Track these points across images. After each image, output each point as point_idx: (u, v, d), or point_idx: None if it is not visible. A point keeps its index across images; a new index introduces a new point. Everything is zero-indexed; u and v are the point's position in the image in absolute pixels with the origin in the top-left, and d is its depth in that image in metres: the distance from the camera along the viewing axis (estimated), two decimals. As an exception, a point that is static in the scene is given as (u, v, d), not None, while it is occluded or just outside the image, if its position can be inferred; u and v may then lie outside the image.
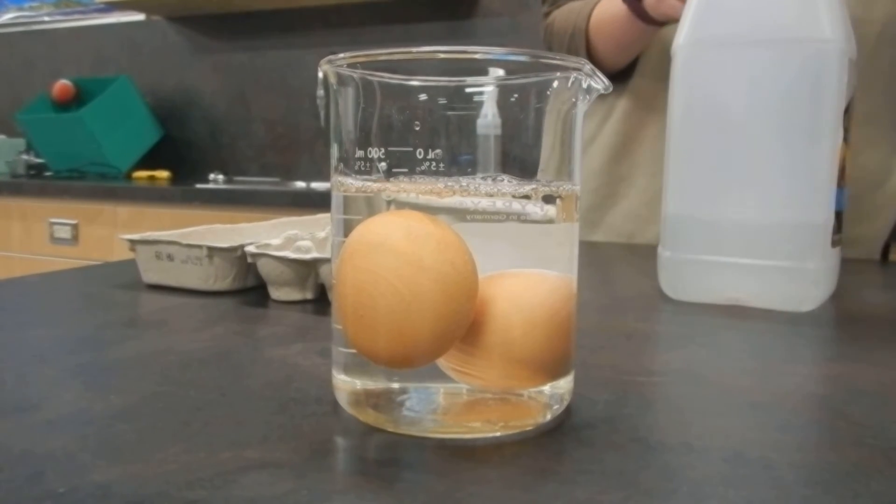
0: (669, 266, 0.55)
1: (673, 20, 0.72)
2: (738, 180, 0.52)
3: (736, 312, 0.50)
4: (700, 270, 0.53)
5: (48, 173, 2.36)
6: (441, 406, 0.28)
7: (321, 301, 0.50)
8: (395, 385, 0.28)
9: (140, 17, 2.49)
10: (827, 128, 0.50)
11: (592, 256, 0.79)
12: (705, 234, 0.53)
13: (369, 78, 0.28)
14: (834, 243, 0.52)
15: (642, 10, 0.76)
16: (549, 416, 0.28)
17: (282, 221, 0.68)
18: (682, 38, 0.54)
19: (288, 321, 0.45)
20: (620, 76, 0.87)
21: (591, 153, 0.92)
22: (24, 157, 2.40)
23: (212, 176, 2.23)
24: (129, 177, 2.26)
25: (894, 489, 0.24)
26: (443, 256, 0.25)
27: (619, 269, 0.74)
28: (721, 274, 0.53)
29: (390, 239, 0.25)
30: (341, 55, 0.28)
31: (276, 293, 0.51)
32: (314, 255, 0.50)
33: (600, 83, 0.29)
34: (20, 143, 2.46)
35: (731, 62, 0.52)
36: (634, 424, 0.29)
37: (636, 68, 0.87)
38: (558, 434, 0.28)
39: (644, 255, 0.80)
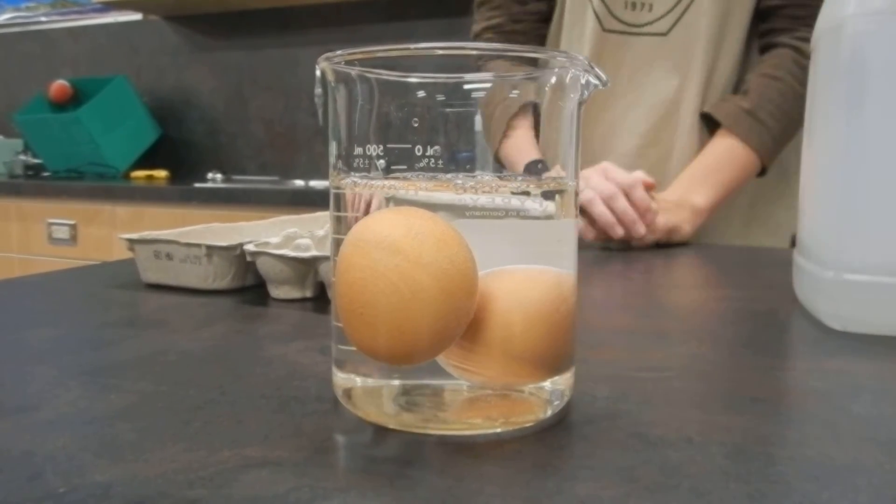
0: (834, 291, 0.43)
1: None
2: None
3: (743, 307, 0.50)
4: (880, 296, 0.42)
5: (46, 174, 2.36)
6: (442, 403, 0.28)
7: (321, 299, 0.50)
8: (396, 382, 0.28)
9: (137, 16, 2.49)
10: None
11: (584, 254, 0.79)
12: (890, 250, 0.42)
13: (367, 75, 0.28)
14: None
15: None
16: (549, 412, 0.28)
17: (281, 220, 0.68)
18: (853, 5, 0.41)
19: (287, 319, 0.45)
20: None
21: None
22: (22, 157, 2.40)
23: (210, 175, 2.23)
24: (127, 177, 2.26)
25: (895, 484, 0.24)
26: (442, 253, 0.25)
27: (615, 267, 0.74)
28: None
29: (390, 236, 0.25)
30: (339, 52, 0.28)
31: (275, 291, 0.51)
32: (313, 253, 0.50)
33: (598, 78, 0.29)
34: (18, 143, 2.46)
35: None
36: (635, 420, 0.29)
37: None
38: (559, 430, 0.28)
39: (636, 250, 0.80)
